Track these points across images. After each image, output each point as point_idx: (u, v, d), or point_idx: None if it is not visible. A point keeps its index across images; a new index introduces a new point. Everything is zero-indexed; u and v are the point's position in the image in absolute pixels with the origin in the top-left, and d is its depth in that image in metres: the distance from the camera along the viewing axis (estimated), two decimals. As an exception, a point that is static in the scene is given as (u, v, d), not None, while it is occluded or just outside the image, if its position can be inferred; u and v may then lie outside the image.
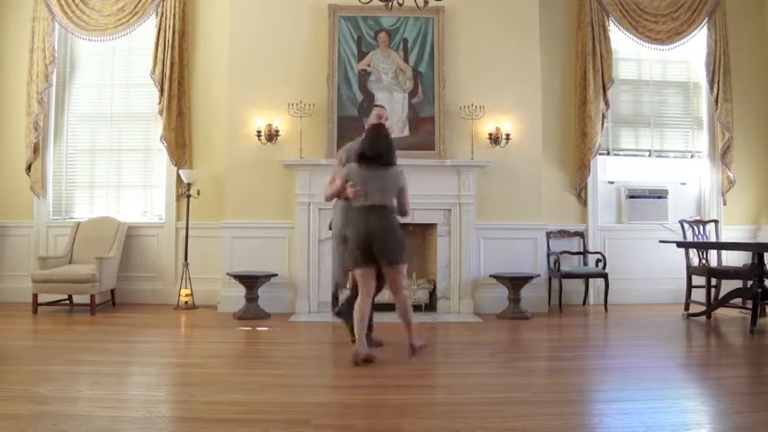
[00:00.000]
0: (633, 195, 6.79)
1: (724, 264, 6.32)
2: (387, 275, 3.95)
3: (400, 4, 4.23)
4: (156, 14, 6.44)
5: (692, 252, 6.27)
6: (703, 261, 6.19)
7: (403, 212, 4.04)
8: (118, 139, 6.71)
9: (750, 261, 5.35)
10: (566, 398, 3.21)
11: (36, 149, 6.45)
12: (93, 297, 5.72)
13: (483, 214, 6.15)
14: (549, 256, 6.35)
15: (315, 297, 5.97)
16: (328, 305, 5.92)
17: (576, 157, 6.69)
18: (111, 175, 6.70)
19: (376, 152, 3.94)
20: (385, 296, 5.49)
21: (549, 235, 6.44)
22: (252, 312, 5.64)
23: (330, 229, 4.51)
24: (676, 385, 3.55)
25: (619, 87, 6.90)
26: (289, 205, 6.04)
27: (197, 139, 6.58)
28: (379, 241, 3.84)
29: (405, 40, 6.21)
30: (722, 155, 6.77)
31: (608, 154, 6.91)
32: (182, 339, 5.08)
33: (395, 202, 4.01)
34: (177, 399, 3.24)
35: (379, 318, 5.16)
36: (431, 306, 6.05)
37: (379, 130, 4.07)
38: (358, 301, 3.92)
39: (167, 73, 6.35)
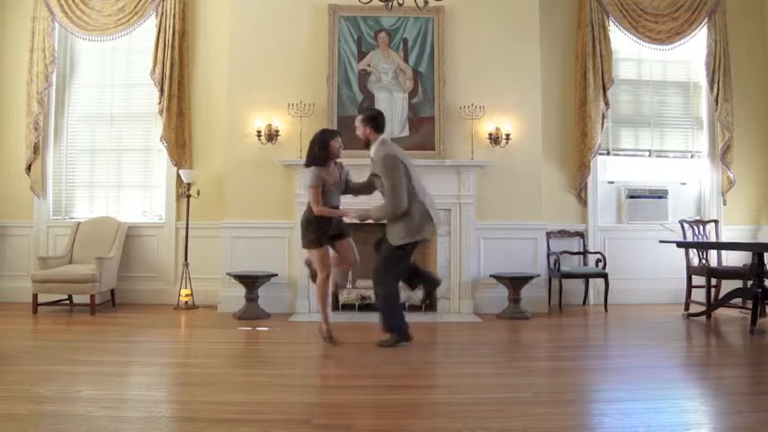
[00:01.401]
0: (633, 195, 6.79)
1: (724, 264, 6.31)
2: None
3: (400, 4, 4.24)
4: (156, 14, 6.44)
5: (692, 252, 6.26)
6: (703, 261, 6.19)
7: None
8: (118, 139, 6.71)
9: (750, 261, 5.34)
10: (566, 398, 3.21)
11: (36, 149, 6.44)
12: (93, 297, 5.72)
13: (483, 214, 6.15)
14: (549, 256, 6.35)
15: (315, 297, 5.95)
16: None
17: (576, 157, 6.69)
18: (111, 175, 6.70)
19: None
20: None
21: (549, 235, 6.44)
22: (252, 312, 5.64)
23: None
24: (676, 385, 3.55)
25: (619, 87, 6.89)
26: (289, 205, 6.04)
27: (197, 139, 6.58)
28: None
29: (405, 40, 6.21)
30: (722, 155, 6.77)
31: (608, 154, 6.91)
32: (182, 339, 5.08)
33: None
34: (177, 399, 3.24)
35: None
36: (431, 306, 6.04)
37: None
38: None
39: (167, 73, 6.35)
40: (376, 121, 4.44)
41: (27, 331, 5.07)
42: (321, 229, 4.33)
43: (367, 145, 4.45)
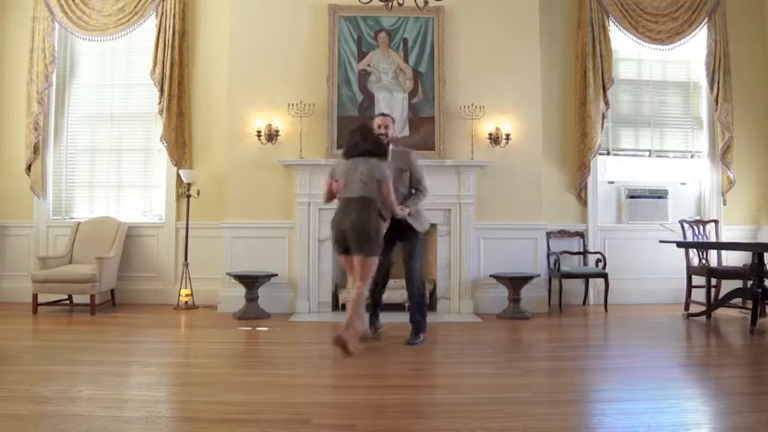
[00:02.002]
0: (633, 195, 6.79)
1: (724, 264, 6.32)
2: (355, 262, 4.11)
3: (400, 4, 4.24)
4: (156, 14, 6.44)
5: (692, 252, 6.26)
6: (703, 261, 6.19)
7: (383, 205, 4.13)
8: (118, 139, 6.70)
9: (750, 261, 5.34)
10: (566, 398, 3.21)
11: (36, 149, 6.44)
12: (93, 297, 5.72)
13: (483, 214, 6.15)
14: (549, 256, 6.35)
15: (315, 297, 5.97)
16: (328, 305, 5.93)
17: (576, 157, 6.69)
18: (111, 175, 6.70)
19: (353, 142, 4.20)
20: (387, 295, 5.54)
21: (549, 235, 6.44)
22: (252, 312, 5.63)
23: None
24: (676, 385, 3.55)
25: (619, 87, 6.89)
26: (289, 205, 6.04)
27: (197, 139, 6.58)
28: (351, 232, 4.03)
29: (405, 40, 6.21)
30: (722, 155, 6.77)
31: (608, 154, 6.91)
32: (182, 339, 5.08)
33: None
34: (177, 399, 3.24)
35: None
36: (431, 306, 6.01)
37: (362, 124, 4.51)
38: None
39: (167, 73, 6.35)
40: None
41: (27, 331, 5.06)
42: None
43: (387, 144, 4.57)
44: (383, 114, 4.81)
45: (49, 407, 2.92)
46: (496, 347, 4.57)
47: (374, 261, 4.09)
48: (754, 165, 6.94)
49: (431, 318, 5.67)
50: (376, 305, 4.73)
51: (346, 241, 4.08)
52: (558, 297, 6.15)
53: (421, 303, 4.57)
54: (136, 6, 6.46)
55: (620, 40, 6.83)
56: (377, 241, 4.08)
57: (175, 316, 5.81)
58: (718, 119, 6.75)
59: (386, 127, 4.58)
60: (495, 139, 6.13)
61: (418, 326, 4.52)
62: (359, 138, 4.23)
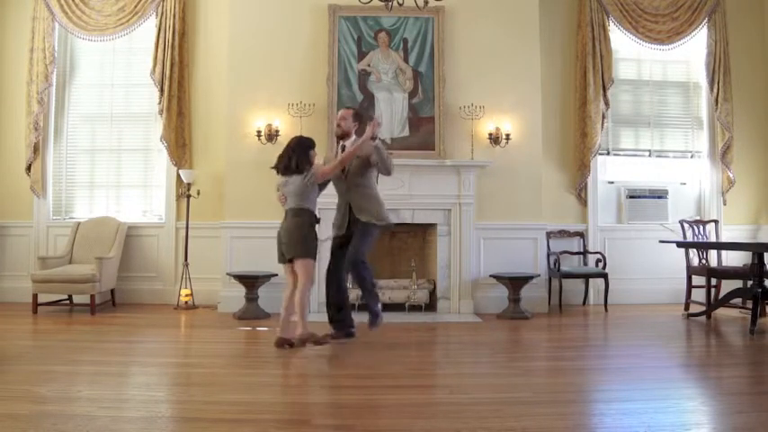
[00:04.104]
0: (633, 195, 6.79)
1: (724, 264, 6.31)
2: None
3: (400, 4, 4.24)
4: (156, 14, 6.44)
5: (692, 252, 6.26)
6: (703, 261, 6.19)
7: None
8: (118, 139, 6.71)
9: (750, 261, 5.34)
10: (566, 398, 3.21)
11: (36, 149, 6.44)
12: (93, 297, 5.72)
13: (483, 214, 6.15)
14: (549, 256, 6.34)
15: (315, 297, 5.94)
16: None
17: (576, 157, 6.69)
18: (111, 175, 6.70)
19: (281, 164, 4.42)
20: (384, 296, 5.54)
21: (549, 235, 6.44)
22: (252, 312, 5.64)
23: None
24: (676, 385, 3.55)
25: (619, 87, 6.89)
26: (289, 205, 6.04)
27: (197, 139, 6.58)
28: (284, 239, 4.29)
29: (405, 40, 6.21)
30: (722, 155, 6.77)
31: (608, 154, 6.91)
32: (182, 339, 5.08)
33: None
34: (177, 399, 3.24)
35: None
36: (431, 306, 6.04)
37: (289, 143, 4.51)
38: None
39: (167, 73, 6.35)
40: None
41: (27, 331, 5.07)
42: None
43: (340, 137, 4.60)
44: (345, 108, 4.83)
45: (49, 407, 2.93)
46: (496, 347, 4.57)
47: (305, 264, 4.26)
48: (754, 165, 6.94)
49: (431, 317, 5.71)
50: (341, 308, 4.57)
51: (282, 248, 4.32)
52: (558, 297, 6.15)
53: (362, 287, 4.42)
54: (136, 6, 6.46)
55: (620, 40, 6.83)
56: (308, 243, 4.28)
57: (175, 316, 5.81)
58: (718, 119, 6.75)
59: (342, 119, 4.54)
60: (495, 139, 6.13)
61: (368, 309, 4.41)
62: (286, 160, 4.42)
